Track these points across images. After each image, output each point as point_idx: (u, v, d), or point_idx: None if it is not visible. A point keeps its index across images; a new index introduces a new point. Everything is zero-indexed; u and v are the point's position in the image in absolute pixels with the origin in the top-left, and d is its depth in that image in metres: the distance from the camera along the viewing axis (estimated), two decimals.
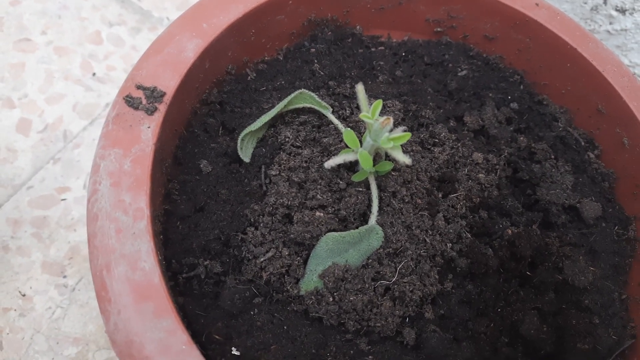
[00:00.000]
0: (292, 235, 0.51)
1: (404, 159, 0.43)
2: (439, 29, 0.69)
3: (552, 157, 0.62)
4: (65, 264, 0.77)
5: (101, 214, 0.45)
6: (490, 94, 0.65)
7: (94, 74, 0.92)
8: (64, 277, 0.75)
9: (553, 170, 0.61)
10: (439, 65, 0.67)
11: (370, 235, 0.50)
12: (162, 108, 0.50)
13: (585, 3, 0.86)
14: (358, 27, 0.68)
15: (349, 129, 0.49)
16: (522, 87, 0.67)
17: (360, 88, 0.44)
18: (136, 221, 0.45)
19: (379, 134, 0.45)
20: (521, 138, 0.63)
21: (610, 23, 0.85)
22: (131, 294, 0.42)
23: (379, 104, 0.45)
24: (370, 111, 0.45)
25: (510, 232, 0.56)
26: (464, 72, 0.66)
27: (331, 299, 0.48)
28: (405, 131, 0.46)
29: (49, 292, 0.74)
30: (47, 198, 0.80)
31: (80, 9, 0.99)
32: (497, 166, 0.60)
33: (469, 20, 0.67)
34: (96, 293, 0.44)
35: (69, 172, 0.83)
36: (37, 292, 0.73)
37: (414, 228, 0.52)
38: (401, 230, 0.51)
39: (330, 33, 0.65)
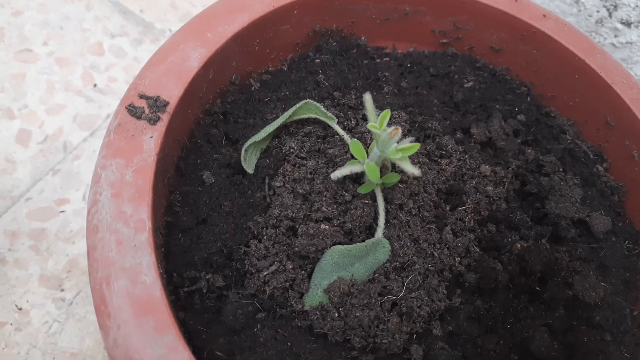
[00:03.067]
0: (296, 249, 0.49)
1: (412, 170, 0.42)
2: (444, 40, 0.68)
3: (561, 169, 0.61)
4: (63, 277, 0.75)
5: (101, 225, 0.44)
6: (497, 106, 0.64)
7: (95, 85, 0.92)
8: (62, 290, 0.74)
9: (562, 183, 0.60)
10: (445, 77, 0.66)
11: (377, 249, 0.49)
12: (165, 118, 0.49)
13: (590, 16, 0.86)
14: (363, 37, 0.67)
15: (355, 139, 0.48)
16: (529, 99, 0.66)
17: (368, 97, 0.44)
18: (137, 233, 0.44)
19: (386, 145, 0.44)
20: (529, 150, 0.62)
21: (616, 36, 0.85)
22: (131, 308, 0.41)
23: (387, 113, 0.44)
24: (378, 121, 0.44)
25: (519, 246, 0.54)
26: (470, 84, 0.65)
27: (336, 315, 0.47)
28: (412, 142, 0.45)
29: (46, 306, 0.72)
30: (46, 210, 0.79)
31: (82, 20, 0.99)
32: (505, 179, 0.59)
33: (475, 31, 0.66)
34: (95, 307, 0.42)
35: (69, 184, 0.81)
36: (33, 305, 0.71)
37: (421, 241, 0.51)
38: (408, 243, 0.50)
39: (335, 44, 0.65)
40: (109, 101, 0.90)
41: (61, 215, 0.79)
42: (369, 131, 0.55)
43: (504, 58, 0.67)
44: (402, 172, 0.54)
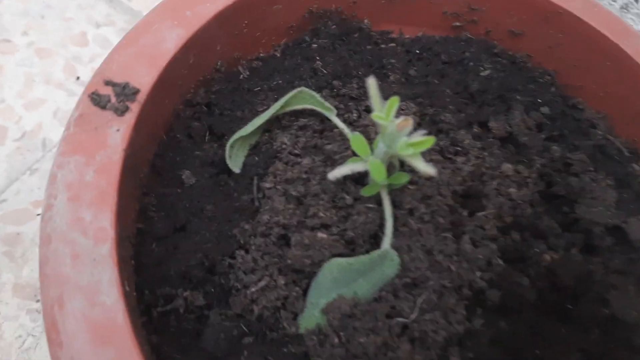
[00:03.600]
0: (289, 261, 0.42)
1: (426, 168, 0.35)
2: (457, 24, 0.61)
3: (591, 168, 0.54)
4: (39, 286, 0.70)
5: (55, 234, 0.37)
6: (518, 97, 0.57)
7: (77, 78, 0.85)
8: (38, 301, 0.68)
9: (593, 184, 0.52)
10: (458, 64, 0.59)
11: (384, 262, 0.42)
12: (135, 108, 0.42)
13: (615, 1, 0.79)
14: (366, 20, 0.60)
15: (357, 133, 0.41)
16: (553, 89, 0.59)
17: (372, 82, 0.36)
18: (97, 244, 0.37)
19: (394, 139, 0.37)
20: (554, 147, 0.54)
21: None
22: (87, 335, 0.34)
23: (394, 101, 0.36)
24: (384, 110, 0.37)
25: (548, 257, 0.47)
26: (487, 72, 0.58)
27: (337, 340, 0.40)
28: (425, 135, 0.38)
29: (20, 319, 0.66)
30: (22, 212, 0.73)
31: (65, 8, 0.92)
32: (529, 179, 0.51)
33: (492, 13, 0.59)
34: (46, 334, 0.35)
35: None
36: (6, 318, 0.66)
37: (435, 253, 0.43)
38: (421, 255, 0.43)
39: (334, 27, 0.58)
40: None
41: (38, 219, 0.72)
42: (374, 124, 0.48)
43: (525, 43, 0.60)
44: (412, 171, 0.47)
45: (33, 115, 0.81)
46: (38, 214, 0.74)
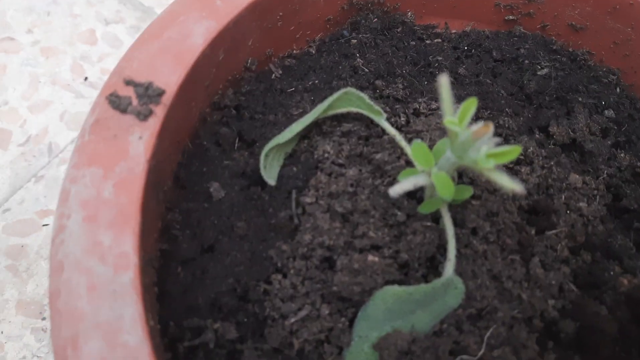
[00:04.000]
0: (334, 288, 0.37)
1: (511, 184, 0.29)
2: (510, 17, 0.55)
3: None
4: (45, 303, 0.65)
5: (68, 261, 0.31)
6: (579, 99, 0.51)
7: (85, 79, 0.81)
8: (43, 319, 0.64)
9: None
10: (512, 62, 0.53)
11: (447, 291, 0.36)
12: (160, 111, 0.36)
13: None
14: (409, 13, 0.54)
15: (419, 141, 0.35)
16: (618, 90, 0.53)
17: (444, 81, 0.31)
18: (118, 273, 0.31)
19: (467, 149, 0.31)
20: (622, 155, 0.49)
21: None
22: None
23: (471, 104, 0.31)
24: (457, 115, 0.31)
25: (626, 282, 0.41)
26: (545, 71, 0.52)
27: None
28: (499, 144, 0.32)
29: (24, 338, 0.62)
30: (26, 223, 0.69)
31: (73, 4, 0.87)
32: (597, 191, 0.46)
33: (551, 5, 0.53)
34: None
35: (53, 193, 0.71)
36: (9, 337, 0.62)
37: (504, 279, 0.38)
38: (487, 282, 0.37)
39: (375, 20, 0.52)
40: None
41: (44, 230, 0.68)
42: (427, 129, 0.42)
43: (587, 39, 0.54)
44: (471, 183, 0.41)
45: (38, 118, 0.76)
46: (44, 225, 0.70)
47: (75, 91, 0.79)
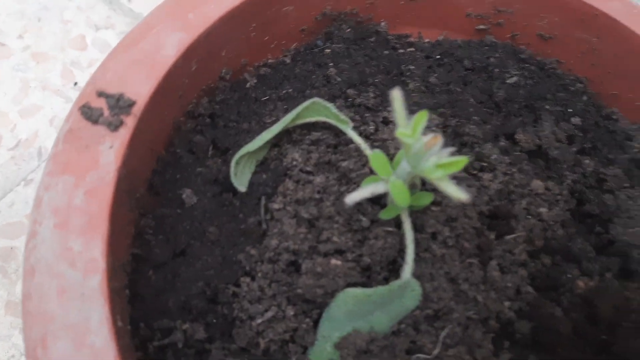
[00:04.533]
0: (299, 290, 0.39)
1: (458, 193, 0.31)
2: (482, 27, 0.57)
3: (627, 185, 0.49)
4: (22, 325, 0.67)
5: (39, 266, 0.33)
6: (547, 106, 0.52)
7: (75, 84, 0.82)
8: None
9: (629, 202, 0.48)
10: (482, 71, 0.55)
11: (405, 293, 0.38)
12: (131, 122, 0.38)
13: None
14: (383, 23, 0.56)
15: (378, 151, 0.36)
16: (585, 97, 0.54)
17: (396, 94, 0.32)
18: (87, 277, 0.33)
19: (420, 159, 0.33)
20: (587, 161, 0.50)
21: None
22: None
23: (422, 116, 0.32)
24: (410, 127, 0.32)
25: (582, 284, 0.43)
26: (514, 79, 0.53)
27: None
28: (453, 154, 0.34)
29: (13, 338, 0.63)
30: (16, 226, 0.70)
31: (63, 10, 0.89)
32: (560, 197, 0.47)
33: (520, 15, 0.55)
34: None
35: None
36: None
37: (460, 281, 0.39)
38: (444, 284, 0.39)
39: (349, 30, 0.53)
40: None
41: None
42: (393, 138, 0.44)
43: (556, 48, 0.55)
44: (434, 190, 0.43)
45: (28, 122, 0.78)
46: None
47: (65, 96, 0.81)
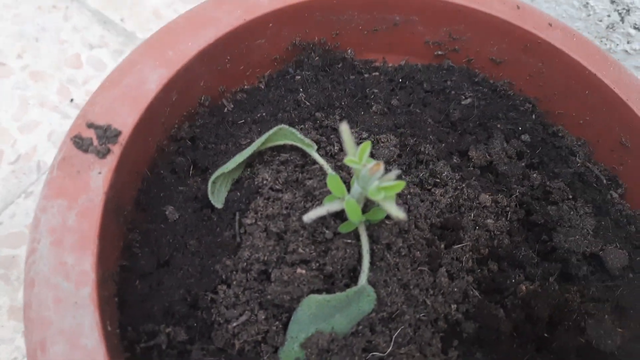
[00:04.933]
0: (269, 296, 0.43)
1: (397, 213, 0.36)
2: (439, 52, 0.62)
3: (570, 197, 0.55)
4: (23, 330, 0.71)
5: (38, 279, 0.38)
6: (499, 125, 0.57)
7: (71, 100, 0.86)
8: None
9: (571, 212, 0.53)
10: (440, 93, 0.60)
11: (361, 298, 0.43)
12: (117, 150, 0.43)
13: (601, 21, 0.79)
14: (349, 50, 0.61)
15: (333, 173, 0.42)
16: (534, 116, 0.59)
17: (344, 128, 0.37)
18: (79, 288, 0.38)
19: (367, 182, 0.38)
20: (534, 175, 0.55)
21: (629, 42, 0.78)
22: None
23: (366, 146, 0.37)
24: (357, 154, 0.37)
25: (524, 288, 0.48)
26: (469, 100, 0.59)
27: None
28: (399, 177, 0.39)
29: (16, 341, 0.67)
30: (18, 236, 0.74)
31: (60, 31, 0.93)
32: (508, 208, 0.52)
33: (473, 42, 0.60)
34: None
35: None
36: (2, 340, 0.67)
37: (412, 287, 0.44)
38: (397, 290, 0.44)
39: (317, 58, 0.58)
40: None
41: None
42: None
43: (506, 71, 0.61)
44: None
45: (28, 138, 0.82)
46: None
47: (62, 112, 0.85)
